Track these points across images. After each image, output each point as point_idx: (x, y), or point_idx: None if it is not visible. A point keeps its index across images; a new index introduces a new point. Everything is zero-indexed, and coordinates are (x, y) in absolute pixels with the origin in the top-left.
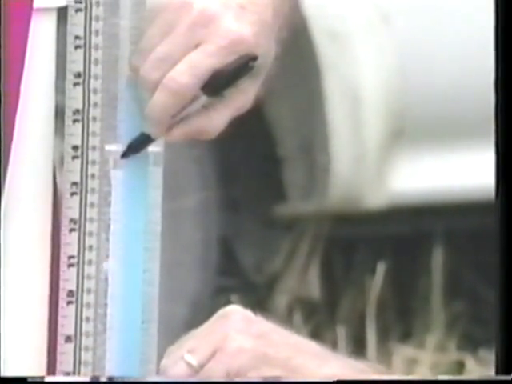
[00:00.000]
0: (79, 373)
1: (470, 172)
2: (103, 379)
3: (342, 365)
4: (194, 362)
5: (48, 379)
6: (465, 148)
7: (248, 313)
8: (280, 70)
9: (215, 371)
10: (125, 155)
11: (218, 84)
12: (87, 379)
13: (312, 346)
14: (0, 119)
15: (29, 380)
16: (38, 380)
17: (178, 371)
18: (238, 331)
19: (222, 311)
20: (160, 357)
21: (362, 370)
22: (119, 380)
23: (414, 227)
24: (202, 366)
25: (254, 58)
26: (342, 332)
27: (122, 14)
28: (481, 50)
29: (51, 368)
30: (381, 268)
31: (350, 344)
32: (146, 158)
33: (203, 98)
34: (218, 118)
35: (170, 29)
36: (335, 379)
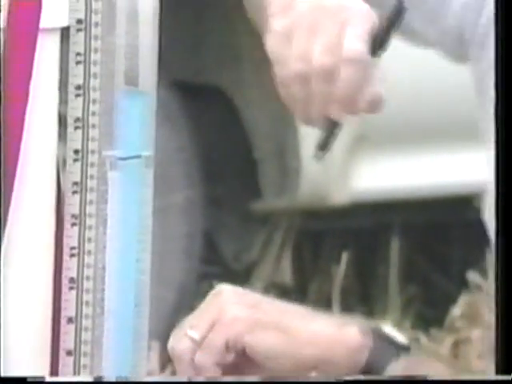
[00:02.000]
0: (80, 350)
1: (423, 172)
2: (106, 379)
3: (327, 322)
4: (197, 335)
5: (48, 379)
6: (419, 150)
7: (238, 288)
8: (258, 82)
9: (216, 341)
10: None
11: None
12: (90, 379)
13: (298, 308)
14: (4, 126)
15: (29, 380)
16: (38, 380)
17: (184, 346)
18: (232, 303)
19: (214, 290)
20: (151, 335)
21: (345, 324)
22: (121, 380)
23: (373, 221)
24: (203, 338)
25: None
26: None
27: (117, 34)
28: (441, 57)
29: (55, 348)
30: (345, 257)
31: None
32: (139, 161)
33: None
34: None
35: (315, 27)
36: (322, 335)
